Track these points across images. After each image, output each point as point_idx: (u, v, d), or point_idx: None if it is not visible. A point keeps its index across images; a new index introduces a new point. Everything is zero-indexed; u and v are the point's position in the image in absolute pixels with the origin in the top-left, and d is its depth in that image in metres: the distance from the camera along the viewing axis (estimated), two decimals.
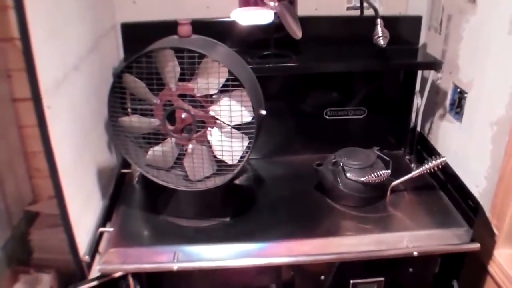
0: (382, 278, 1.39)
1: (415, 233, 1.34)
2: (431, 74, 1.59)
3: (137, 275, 1.31)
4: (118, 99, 1.24)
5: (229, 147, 1.26)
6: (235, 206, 1.44)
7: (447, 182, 1.50)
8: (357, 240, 1.32)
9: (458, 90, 1.48)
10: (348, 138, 1.64)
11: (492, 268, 1.38)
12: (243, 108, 1.21)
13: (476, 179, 1.39)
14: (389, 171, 1.41)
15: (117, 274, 1.27)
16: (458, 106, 1.50)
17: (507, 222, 1.33)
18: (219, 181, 1.30)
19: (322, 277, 1.36)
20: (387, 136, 1.71)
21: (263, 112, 1.28)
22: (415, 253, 1.30)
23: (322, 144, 1.57)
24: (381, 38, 1.47)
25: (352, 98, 1.64)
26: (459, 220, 1.39)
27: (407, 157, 1.67)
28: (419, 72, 1.68)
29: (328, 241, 1.32)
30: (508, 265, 1.33)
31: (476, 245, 1.33)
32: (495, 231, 1.36)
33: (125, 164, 1.57)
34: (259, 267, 1.31)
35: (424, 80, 1.66)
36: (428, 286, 1.45)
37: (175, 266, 1.24)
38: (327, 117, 1.63)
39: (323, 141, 1.58)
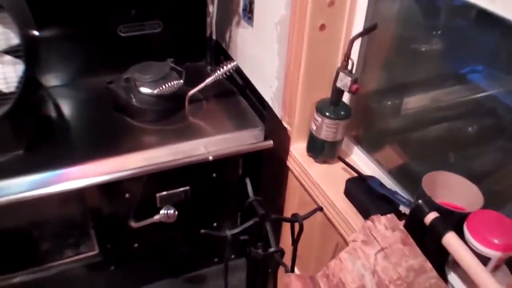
0: (187, 187, 1.40)
1: (213, 139, 1.36)
2: None
3: None
4: None
5: (2, 73, 1.15)
6: (30, 137, 1.33)
7: (245, 87, 1.52)
8: (154, 153, 1.30)
9: None
10: (146, 54, 1.57)
11: (289, 162, 1.45)
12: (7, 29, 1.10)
13: (270, 81, 1.42)
14: (181, 81, 1.39)
15: None
16: (249, 11, 1.50)
17: (297, 116, 1.38)
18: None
19: (127, 195, 1.33)
20: (185, 48, 1.68)
21: (36, 32, 1.17)
22: (210, 158, 1.32)
23: (120, 63, 1.49)
24: None
25: (145, 12, 1.57)
26: (255, 121, 1.43)
27: (209, 67, 1.66)
28: None
29: (126, 159, 1.28)
30: (301, 157, 1.40)
31: (269, 142, 1.38)
32: (287, 127, 1.42)
33: None
34: (60, 196, 1.24)
35: None
36: (235, 188, 1.49)
37: None
38: (122, 34, 1.54)
39: (120, 59, 1.50)
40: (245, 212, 1.22)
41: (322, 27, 1.25)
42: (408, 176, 1.28)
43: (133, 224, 1.36)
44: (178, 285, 1.59)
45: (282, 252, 1.12)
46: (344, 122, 1.30)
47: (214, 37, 1.61)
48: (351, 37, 1.21)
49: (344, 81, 1.24)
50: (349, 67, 1.24)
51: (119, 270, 1.48)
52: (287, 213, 1.58)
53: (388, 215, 0.96)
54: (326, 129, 1.30)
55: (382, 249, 0.92)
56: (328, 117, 1.29)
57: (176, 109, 1.43)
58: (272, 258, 1.14)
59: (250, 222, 1.15)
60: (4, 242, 1.32)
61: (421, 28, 1.19)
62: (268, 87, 1.44)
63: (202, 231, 1.13)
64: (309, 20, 1.23)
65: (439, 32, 1.14)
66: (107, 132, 1.37)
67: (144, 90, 1.36)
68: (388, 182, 1.28)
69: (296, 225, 1.19)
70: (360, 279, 0.92)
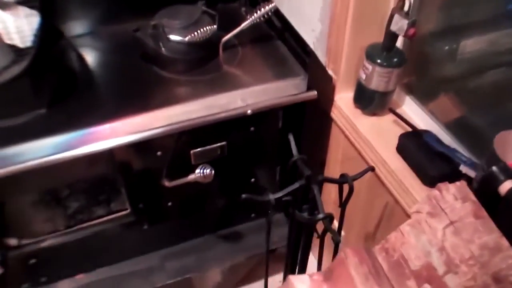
0: (224, 142, 1.29)
1: (250, 90, 1.23)
2: None
3: None
4: None
5: (15, 27, 1.04)
6: (52, 94, 1.23)
7: (284, 30, 1.37)
8: (187, 107, 1.19)
9: None
10: None
11: (334, 114, 1.33)
12: None
13: (312, 23, 1.27)
14: (215, 26, 1.25)
15: None
16: None
17: (343, 63, 1.25)
18: (17, 69, 1.08)
19: (159, 153, 1.24)
20: None
21: None
22: (249, 112, 1.20)
23: (146, 7, 1.35)
24: None
25: None
26: (296, 70, 1.29)
27: (243, 9, 1.50)
28: None
29: (157, 114, 1.17)
30: (348, 108, 1.28)
31: (313, 93, 1.25)
32: (333, 75, 1.28)
33: None
34: (88, 157, 1.15)
35: None
36: (274, 142, 1.38)
37: None
38: None
39: (146, 3, 1.36)
40: (288, 170, 1.12)
41: None
42: (467, 130, 1.15)
43: (167, 183, 1.28)
44: (215, 242, 1.52)
45: (331, 218, 1.02)
46: (397, 70, 1.16)
47: None
48: None
49: (399, 24, 1.09)
50: (406, 8, 1.08)
51: (152, 229, 1.41)
52: (330, 169, 1.47)
53: (457, 183, 0.84)
54: (378, 78, 1.17)
55: (451, 222, 0.81)
56: (380, 65, 1.15)
57: (209, 57, 1.30)
58: (318, 223, 1.05)
59: (296, 185, 1.04)
60: (31, 204, 1.26)
61: None
62: (310, 30, 1.29)
63: (244, 196, 1.03)
64: None
65: None
66: (135, 85, 1.25)
67: (174, 37, 1.23)
68: (445, 137, 1.15)
69: (345, 186, 1.09)
70: (425, 255, 0.82)
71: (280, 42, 1.39)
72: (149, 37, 1.24)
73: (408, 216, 0.95)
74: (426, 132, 1.14)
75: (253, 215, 1.55)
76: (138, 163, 1.25)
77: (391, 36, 1.12)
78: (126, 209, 1.35)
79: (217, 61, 1.31)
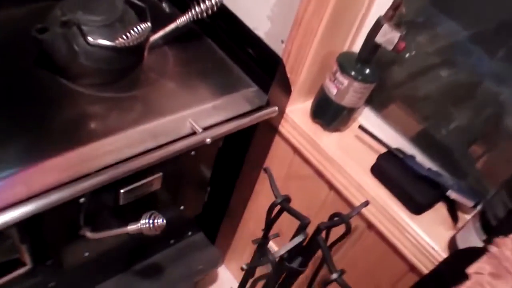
0: (159, 174, 1.01)
1: (198, 109, 0.97)
2: None
3: None
4: None
5: None
6: None
7: (226, 26, 1.11)
8: (121, 140, 0.87)
9: None
10: None
11: (283, 127, 1.13)
12: None
13: (256, 21, 1.05)
14: (149, 24, 0.93)
15: None
16: None
17: (304, 72, 1.05)
18: None
19: (82, 199, 0.90)
20: None
21: None
22: (208, 140, 0.94)
23: None
24: None
25: None
26: (243, 77, 1.06)
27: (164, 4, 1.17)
28: None
29: (75, 156, 0.82)
30: (304, 123, 1.10)
31: (274, 109, 1.04)
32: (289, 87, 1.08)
33: None
34: None
35: None
36: (211, 162, 1.14)
37: None
38: None
39: None
40: (269, 212, 0.91)
41: None
42: (426, 139, 1.08)
43: (88, 234, 0.95)
44: (130, 280, 1.23)
45: (342, 272, 0.86)
46: (374, 85, 1.02)
47: None
48: None
49: (388, 36, 0.94)
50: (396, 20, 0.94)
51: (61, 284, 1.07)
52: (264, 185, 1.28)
53: None
54: (353, 94, 1.01)
55: None
56: (359, 80, 0.99)
57: (134, 65, 0.98)
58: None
59: (299, 239, 0.85)
60: None
61: None
62: (262, 32, 1.07)
63: (244, 266, 0.80)
64: None
65: None
66: (32, 109, 0.87)
67: (99, 41, 0.88)
68: (409, 149, 1.07)
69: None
70: None
71: (211, 42, 1.12)
72: (60, 39, 0.86)
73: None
74: (408, 156, 1.03)
75: (172, 241, 1.29)
76: (50, 216, 0.89)
77: (373, 48, 0.97)
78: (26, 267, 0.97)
79: (141, 70, 0.99)
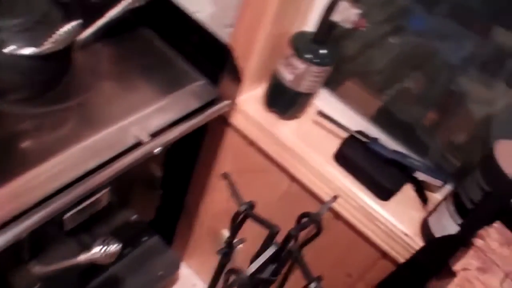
0: (107, 189, 0.90)
1: (142, 114, 0.86)
2: None
3: None
4: None
5: None
6: None
7: (163, 13, 0.99)
8: (60, 163, 0.75)
9: None
10: None
11: (235, 119, 1.05)
12: None
13: (196, 2, 0.94)
14: (80, 21, 0.80)
15: None
16: None
17: (255, 58, 0.96)
18: None
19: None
20: None
21: None
22: (156, 151, 0.84)
23: None
24: None
25: None
26: (188, 70, 0.96)
27: None
28: None
29: (5, 193, 0.70)
30: (258, 113, 1.02)
31: (227, 103, 0.95)
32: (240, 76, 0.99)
33: None
34: None
35: None
36: (160, 165, 1.04)
37: None
38: None
39: None
40: (234, 220, 0.84)
41: None
42: (384, 116, 1.04)
43: (37, 268, 0.84)
44: None
45: (320, 280, 0.81)
46: (331, 67, 0.95)
47: None
48: None
49: (346, 13, 0.86)
50: None
51: None
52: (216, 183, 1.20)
53: (495, 225, 0.73)
54: (310, 79, 0.94)
55: (506, 275, 0.70)
56: (316, 63, 0.91)
57: (64, 71, 0.85)
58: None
59: (271, 250, 0.78)
60: None
61: None
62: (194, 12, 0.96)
63: None
64: None
65: None
66: None
67: (20, 50, 0.74)
68: (370, 129, 1.02)
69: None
70: None
71: (152, 34, 1.00)
72: None
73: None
74: (373, 139, 0.98)
75: (126, 250, 1.19)
76: None
77: (329, 28, 0.89)
78: None
79: (74, 73, 0.87)
